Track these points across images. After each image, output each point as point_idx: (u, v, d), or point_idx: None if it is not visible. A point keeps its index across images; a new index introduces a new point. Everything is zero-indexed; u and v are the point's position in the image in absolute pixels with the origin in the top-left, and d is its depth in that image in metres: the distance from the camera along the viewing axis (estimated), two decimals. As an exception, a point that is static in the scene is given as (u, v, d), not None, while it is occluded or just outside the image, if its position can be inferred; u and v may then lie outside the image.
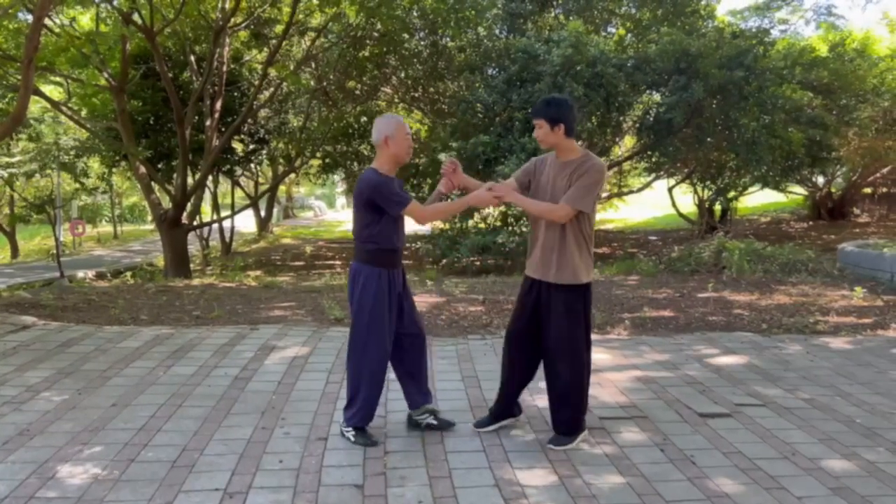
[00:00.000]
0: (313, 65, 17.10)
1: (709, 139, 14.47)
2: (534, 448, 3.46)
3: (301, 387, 4.37)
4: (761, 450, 3.47)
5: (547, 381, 3.51)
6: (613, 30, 18.04)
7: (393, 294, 3.45)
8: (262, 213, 29.36)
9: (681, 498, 2.96)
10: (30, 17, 9.48)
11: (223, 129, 15.46)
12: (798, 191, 22.44)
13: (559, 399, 3.48)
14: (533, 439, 3.57)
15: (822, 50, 17.59)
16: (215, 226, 20.88)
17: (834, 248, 11.98)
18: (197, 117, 15.15)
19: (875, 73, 17.44)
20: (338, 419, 3.78)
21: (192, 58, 15.11)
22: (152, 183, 14.87)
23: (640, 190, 21.61)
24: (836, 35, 19.39)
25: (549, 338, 3.42)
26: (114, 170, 18.88)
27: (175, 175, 15.21)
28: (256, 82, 15.69)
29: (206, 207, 23.01)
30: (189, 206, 15.35)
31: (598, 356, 5.10)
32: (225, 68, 15.16)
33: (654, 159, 17.11)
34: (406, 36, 15.63)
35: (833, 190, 22.15)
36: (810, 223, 21.09)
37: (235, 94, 16.85)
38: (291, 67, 16.13)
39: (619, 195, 22.69)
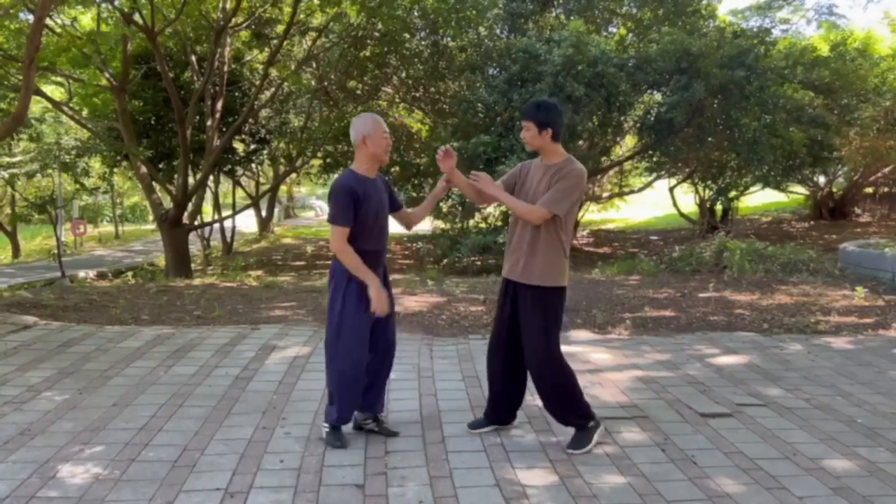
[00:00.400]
0: (314, 65, 17.10)
1: (710, 139, 14.46)
2: (534, 448, 3.46)
3: (302, 387, 4.37)
4: (762, 450, 3.46)
5: (533, 381, 3.51)
6: (614, 29, 18.03)
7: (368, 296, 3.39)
8: (263, 213, 29.36)
9: (682, 498, 2.96)
10: (31, 17, 9.48)
11: (224, 129, 15.46)
12: (799, 190, 22.41)
13: (546, 399, 3.48)
14: (533, 439, 3.57)
15: (824, 49, 17.58)
16: (216, 226, 20.89)
17: (835, 247, 11.98)
18: (198, 117, 15.16)
19: (876, 73, 17.43)
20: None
21: (194, 58, 15.12)
22: (153, 183, 14.88)
23: (641, 190, 21.61)
24: (837, 35, 19.37)
25: (523, 338, 3.43)
26: (115, 170, 18.90)
27: (176, 175, 15.21)
28: (257, 82, 15.70)
29: (208, 207, 23.05)
30: (190, 206, 15.36)
31: (599, 356, 5.10)
32: (226, 68, 15.17)
33: (655, 159, 17.12)
34: (407, 36, 15.63)
35: (834, 190, 22.12)
36: (811, 223, 21.07)
37: (236, 94, 16.86)
38: (292, 67, 16.15)
39: (620, 195, 22.69)
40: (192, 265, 15.76)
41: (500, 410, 3.65)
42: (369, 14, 13.84)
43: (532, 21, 16.45)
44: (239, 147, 19.10)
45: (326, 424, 3.47)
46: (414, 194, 17.76)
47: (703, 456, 3.38)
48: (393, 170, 18.64)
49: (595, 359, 5.07)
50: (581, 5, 16.67)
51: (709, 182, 18.08)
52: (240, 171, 21.12)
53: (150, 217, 28.28)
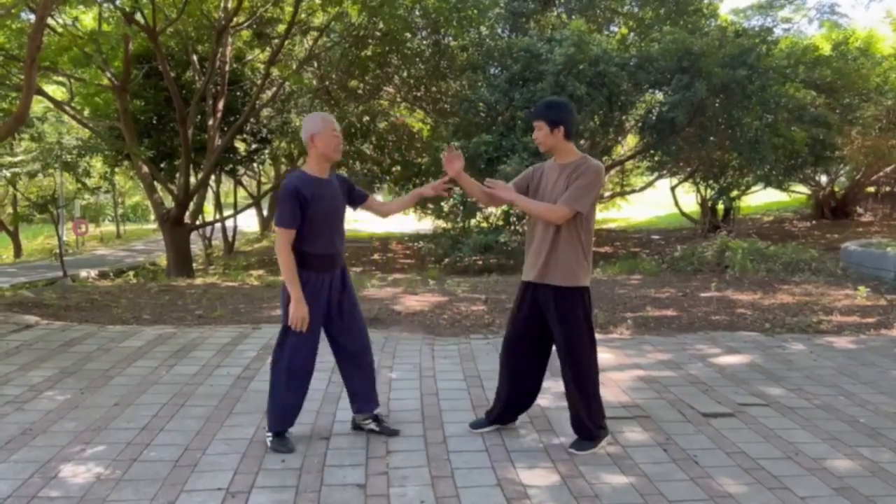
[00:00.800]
0: (315, 64, 17.11)
1: (711, 138, 14.45)
2: (536, 448, 3.45)
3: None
4: (764, 449, 3.45)
5: (564, 383, 3.49)
6: (616, 29, 18.03)
7: (320, 303, 3.35)
8: (265, 213, 29.37)
9: (684, 498, 2.95)
10: (32, 17, 9.48)
11: (225, 129, 15.47)
12: (801, 190, 22.40)
13: (568, 401, 3.46)
14: (535, 439, 3.56)
15: (826, 49, 17.58)
16: (218, 225, 20.90)
17: (837, 247, 11.96)
18: (199, 117, 15.17)
19: (878, 72, 17.42)
20: (340, 419, 3.78)
21: (195, 57, 15.13)
22: (155, 182, 14.88)
23: (642, 189, 21.60)
24: (839, 34, 19.37)
25: (555, 340, 3.40)
26: (116, 169, 18.91)
27: (177, 174, 15.22)
28: (259, 82, 15.70)
29: (209, 207, 23.06)
30: (191, 206, 15.37)
31: (601, 356, 5.05)
32: (227, 68, 15.17)
33: (656, 158, 17.11)
34: (408, 35, 15.63)
35: (836, 189, 22.10)
36: (813, 222, 21.05)
37: (238, 93, 16.86)
38: (294, 67, 16.15)
39: (622, 194, 22.69)
40: (194, 265, 15.77)
41: (508, 411, 3.64)
42: (370, 13, 13.84)
43: (533, 20, 16.45)
44: (240, 146, 19.11)
45: (269, 433, 3.41)
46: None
47: (704, 456, 3.37)
48: (394, 169, 18.65)
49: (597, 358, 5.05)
50: (582, 4, 16.66)
51: (710, 181, 18.08)
52: (241, 170, 21.12)
53: (152, 216, 28.30)
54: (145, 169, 14.18)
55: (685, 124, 13.53)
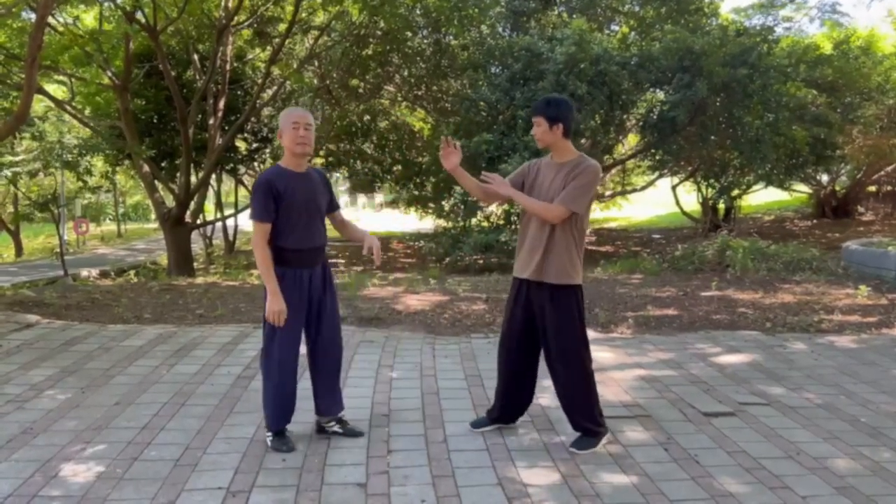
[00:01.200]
0: (316, 63, 17.10)
1: (712, 137, 14.45)
2: (537, 447, 3.45)
3: (303, 385, 4.35)
4: (765, 449, 3.45)
5: (553, 382, 3.50)
6: (617, 28, 18.02)
7: (301, 296, 3.33)
8: (266, 212, 29.33)
9: (685, 497, 2.95)
10: (33, 16, 9.48)
11: (226, 128, 15.46)
12: (802, 189, 22.38)
13: (563, 400, 3.47)
14: (536, 438, 3.56)
15: (827, 48, 17.56)
16: (218, 224, 20.90)
17: (838, 246, 11.96)
18: (200, 116, 15.16)
19: (880, 71, 17.40)
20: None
21: (196, 56, 15.12)
22: (156, 181, 14.89)
23: (643, 188, 21.59)
24: (840, 33, 19.36)
25: (545, 339, 3.41)
26: (117, 168, 18.91)
27: (178, 174, 15.22)
28: (260, 81, 15.69)
29: (210, 206, 23.05)
30: (192, 205, 15.36)
31: (602, 355, 5.09)
32: (228, 67, 15.16)
33: (657, 157, 17.10)
34: (409, 34, 15.62)
35: (837, 188, 22.08)
36: (814, 221, 21.03)
37: (239, 92, 16.85)
38: (294, 66, 16.13)
39: (623, 193, 22.69)
40: (195, 264, 15.77)
41: (507, 410, 3.63)
42: (371, 12, 13.83)
43: (534, 19, 16.44)
44: (241, 146, 19.10)
45: (269, 433, 3.41)
46: (416, 192, 17.77)
47: (705, 455, 3.37)
48: (395, 168, 18.66)
49: (598, 357, 5.04)
50: (583, 3, 16.66)
51: (711, 180, 18.07)
52: (242, 169, 21.10)
53: (153, 216, 28.29)
54: (146, 168, 14.19)
55: (686, 123, 13.52)
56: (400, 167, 18.44)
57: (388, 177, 19.23)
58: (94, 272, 16.67)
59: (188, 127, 13.75)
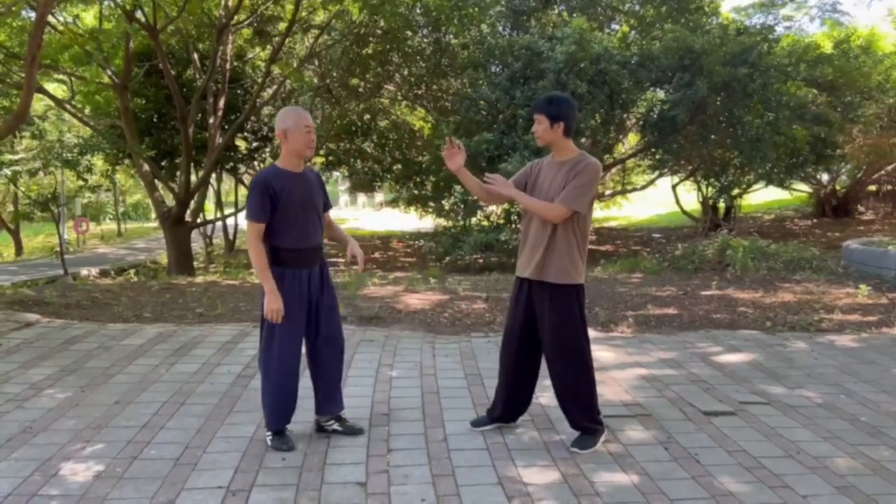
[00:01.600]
0: (316, 62, 17.09)
1: (713, 136, 14.44)
2: (537, 446, 3.45)
3: (303, 384, 4.34)
4: (766, 448, 3.45)
5: (551, 381, 3.50)
6: (617, 27, 18.01)
7: (300, 295, 3.32)
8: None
9: (685, 496, 2.94)
10: (33, 15, 9.47)
11: (226, 127, 15.45)
12: (802, 188, 22.37)
13: (563, 399, 3.46)
14: (536, 437, 3.56)
15: (827, 47, 17.55)
16: (219, 223, 20.90)
17: (838, 245, 11.95)
18: (200, 115, 15.15)
19: (880, 70, 17.39)
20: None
21: (196, 55, 15.11)
22: (156, 181, 14.88)
23: (643, 187, 21.56)
24: (840, 32, 19.35)
25: (545, 337, 3.41)
26: (117, 167, 18.90)
27: (178, 173, 15.21)
28: (259, 80, 15.69)
29: (210, 205, 23.04)
30: (192, 204, 15.36)
31: (602, 354, 5.08)
32: (228, 66, 15.15)
33: (657, 157, 17.08)
34: (409, 33, 15.60)
35: (837, 187, 22.07)
36: (814, 221, 21.02)
37: (238, 91, 16.85)
38: (294, 65, 16.12)
39: (623, 193, 22.67)
40: (195, 263, 15.77)
41: (508, 409, 3.63)
42: (371, 11, 13.81)
43: (534, 18, 16.43)
44: (241, 145, 19.09)
45: (269, 432, 3.40)
46: (416, 192, 17.76)
47: (706, 454, 3.37)
48: (395, 167, 18.65)
49: (598, 357, 5.04)
50: (584, 2, 16.65)
51: (711, 180, 18.05)
52: (242, 168, 21.08)
53: (153, 215, 28.29)
54: (146, 167, 14.18)
55: (686, 122, 13.51)
56: (400, 166, 18.43)
57: (388, 176, 19.23)
58: (94, 271, 16.67)
59: (188, 126, 13.74)
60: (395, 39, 15.35)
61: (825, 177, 21.67)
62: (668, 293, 7.84)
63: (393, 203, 19.40)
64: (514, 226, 12.45)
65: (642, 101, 15.25)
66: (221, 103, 15.02)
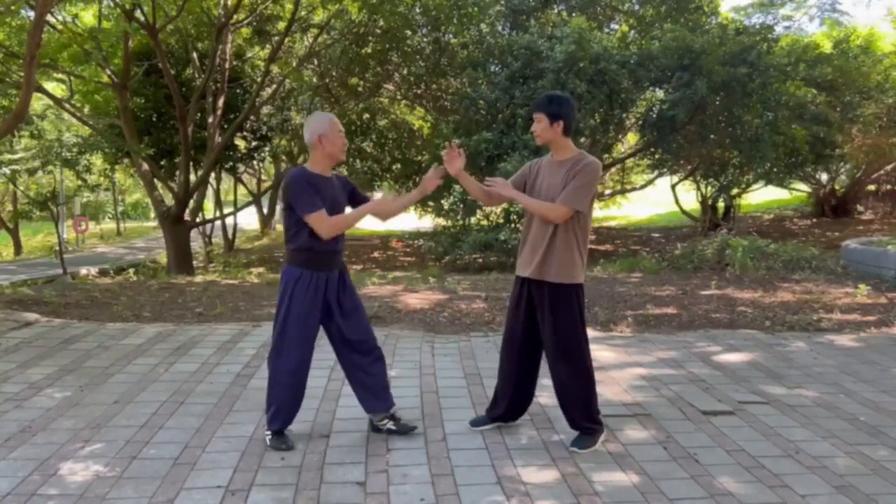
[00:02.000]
0: (315, 62, 17.09)
1: (712, 136, 14.44)
2: (536, 445, 3.45)
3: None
4: (765, 448, 3.45)
5: (551, 380, 3.50)
6: (616, 26, 18.00)
7: (316, 299, 3.32)
8: (265, 211, 29.38)
9: (684, 496, 2.94)
10: (32, 14, 9.46)
11: (225, 126, 15.45)
12: (801, 188, 22.38)
13: (562, 398, 3.47)
14: (535, 436, 3.56)
15: (827, 46, 17.55)
16: (218, 223, 20.89)
17: (838, 245, 11.95)
18: (199, 114, 15.15)
19: (879, 70, 17.39)
20: (340, 416, 3.78)
21: (195, 55, 15.10)
22: (155, 180, 14.87)
23: (642, 187, 21.56)
24: (840, 32, 19.34)
25: (545, 337, 3.41)
26: (116, 167, 18.91)
27: (178, 172, 15.21)
28: (259, 79, 15.68)
29: (209, 204, 23.02)
30: (192, 204, 15.36)
31: (602, 354, 5.08)
32: (227, 65, 15.15)
33: (657, 156, 17.09)
34: (409, 32, 15.59)
35: (837, 187, 22.08)
36: (814, 220, 21.03)
37: (238, 91, 16.84)
38: (294, 64, 16.12)
39: (622, 192, 22.66)
40: (194, 262, 15.77)
41: (508, 409, 3.63)
42: (371, 11, 13.82)
43: (534, 18, 16.42)
44: (240, 144, 19.09)
45: (269, 431, 3.40)
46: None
47: (705, 454, 3.37)
48: (394, 167, 18.64)
49: (597, 356, 5.03)
50: (583, 2, 16.65)
51: (711, 179, 18.06)
52: (241, 168, 21.10)
53: (152, 214, 28.29)
54: (145, 166, 14.17)
55: (686, 122, 13.51)
56: (399, 166, 18.42)
57: (388, 175, 19.21)
58: (94, 270, 16.66)
59: (187, 125, 13.74)
60: (395, 39, 15.34)
61: (824, 176, 21.68)
62: (668, 293, 7.84)
63: (392, 203, 19.34)
64: (513, 225, 12.45)
65: (641, 101, 15.25)
66: (220, 102, 15.02)
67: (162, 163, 16.40)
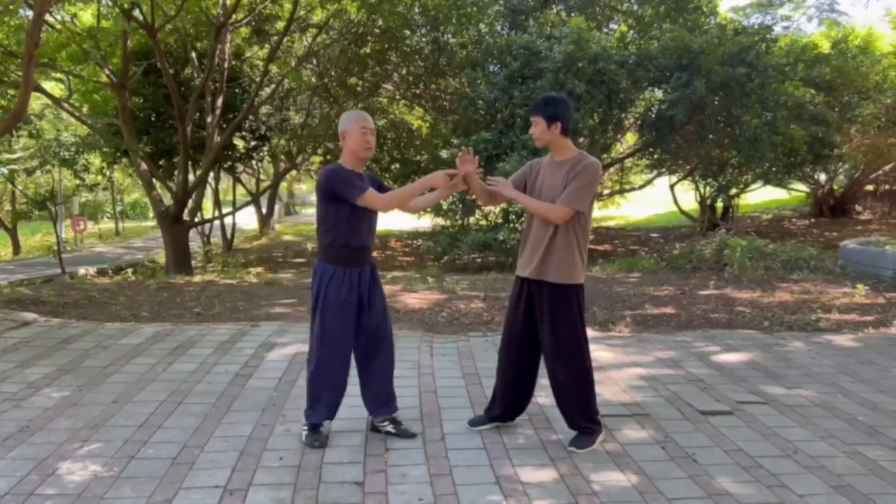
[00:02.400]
0: (314, 61, 17.07)
1: (711, 136, 14.45)
2: (535, 445, 3.45)
3: (301, 384, 4.34)
4: (763, 447, 3.45)
5: (550, 380, 3.50)
6: (615, 26, 18.01)
7: (350, 294, 3.34)
8: (264, 210, 29.34)
9: (682, 496, 2.95)
10: (30, 14, 9.45)
11: (224, 126, 15.43)
12: (800, 188, 22.39)
13: (561, 398, 3.47)
14: (534, 436, 3.56)
15: (825, 47, 17.57)
16: (216, 223, 20.86)
17: (836, 245, 11.96)
18: (198, 114, 15.13)
19: (877, 70, 17.42)
20: (339, 416, 3.76)
21: (194, 54, 15.09)
22: (153, 180, 14.84)
23: (641, 187, 21.56)
24: (838, 32, 19.35)
25: (544, 337, 3.41)
26: (115, 166, 18.89)
27: (176, 172, 15.18)
28: (258, 79, 15.67)
29: (208, 204, 22.96)
30: (190, 203, 15.33)
31: (600, 354, 5.08)
32: (226, 65, 15.13)
33: (655, 156, 17.10)
34: (407, 32, 15.58)
35: (835, 187, 22.10)
36: (812, 220, 21.05)
37: (237, 90, 16.83)
38: (293, 64, 16.10)
39: (621, 192, 22.66)
40: (193, 262, 15.74)
41: (507, 409, 3.63)
42: (370, 10, 13.80)
43: (533, 18, 16.42)
44: (239, 144, 19.07)
45: (306, 427, 3.42)
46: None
47: (703, 454, 3.37)
48: (393, 167, 18.63)
49: (596, 356, 5.01)
50: (582, 2, 16.64)
51: (709, 179, 18.07)
52: (240, 167, 21.06)
53: (151, 214, 28.28)
54: (144, 166, 14.15)
55: (684, 122, 13.52)
56: (398, 165, 18.40)
57: (387, 175, 19.20)
58: (92, 270, 16.63)
59: (186, 125, 13.71)
60: (394, 38, 15.33)
61: (823, 176, 21.69)
62: (666, 293, 7.85)
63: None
64: (511, 225, 12.45)
65: (640, 101, 15.26)
66: (219, 102, 15.00)
67: (160, 162, 16.37)
